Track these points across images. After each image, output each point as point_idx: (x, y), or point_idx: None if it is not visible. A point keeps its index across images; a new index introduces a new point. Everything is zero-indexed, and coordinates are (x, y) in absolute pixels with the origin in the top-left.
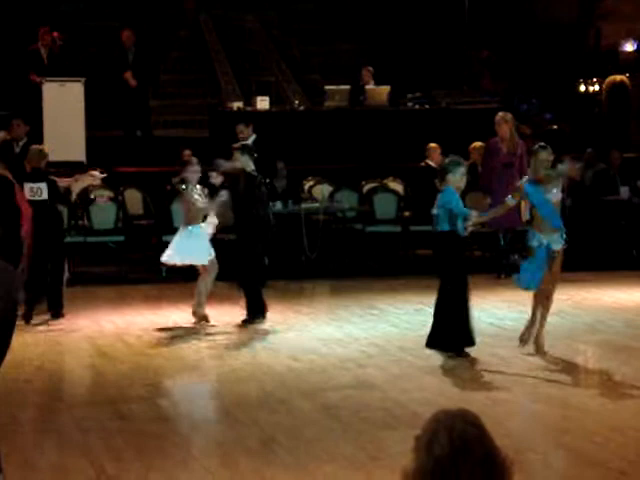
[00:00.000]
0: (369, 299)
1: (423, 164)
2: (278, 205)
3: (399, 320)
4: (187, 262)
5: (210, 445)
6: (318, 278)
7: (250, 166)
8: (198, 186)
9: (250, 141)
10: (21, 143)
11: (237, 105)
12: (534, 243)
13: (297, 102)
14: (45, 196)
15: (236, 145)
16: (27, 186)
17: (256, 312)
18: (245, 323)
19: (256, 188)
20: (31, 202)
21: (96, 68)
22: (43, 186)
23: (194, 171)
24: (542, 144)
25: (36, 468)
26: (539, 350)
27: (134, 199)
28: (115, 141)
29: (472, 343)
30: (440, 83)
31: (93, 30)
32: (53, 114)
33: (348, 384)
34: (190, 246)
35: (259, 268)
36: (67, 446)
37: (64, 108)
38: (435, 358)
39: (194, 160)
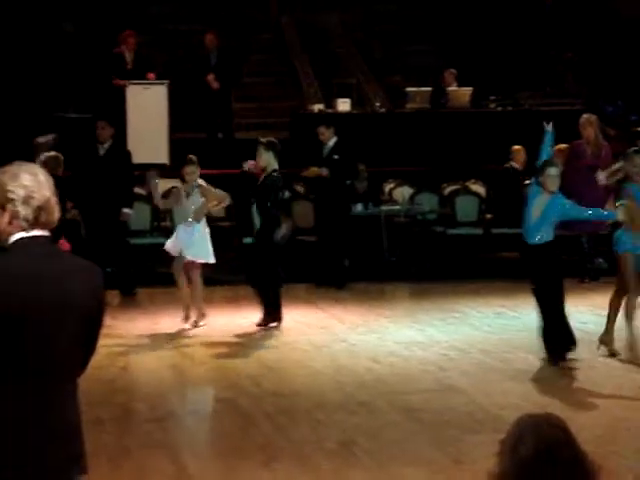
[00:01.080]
0: (450, 302)
1: (507, 166)
2: (359, 207)
3: (480, 323)
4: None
5: (290, 446)
6: (398, 281)
7: (273, 165)
8: (195, 184)
9: (331, 144)
10: (106, 145)
11: (318, 107)
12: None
13: (378, 104)
14: None
15: (262, 140)
16: None
17: (272, 317)
18: (260, 326)
19: (276, 189)
20: None
21: (180, 71)
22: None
23: (190, 172)
24: (636, 148)
25: (119, 467)
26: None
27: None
28: (197, 143)
29: (573, 342)
30: (523, 85)
31: (177, 33)
32: (137, 117)
33: (430, 387)
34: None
35: (278, 271)
36: (149, 445)
37: (148, 111)
38: (517, 362)
39: (193, 159)
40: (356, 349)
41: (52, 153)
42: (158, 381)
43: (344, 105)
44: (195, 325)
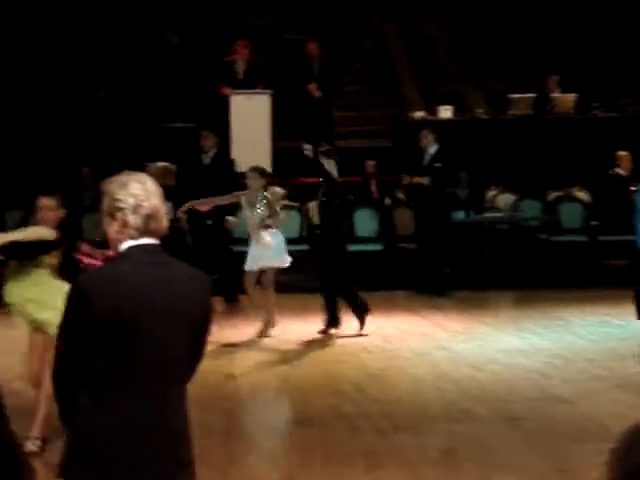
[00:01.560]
0: (554, 310)
1: (612, 172)
2: (460, 214)
3: (585, 331)
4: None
5: (394, 453)
6: (501, 288)
7: (334, 172)
8: (259, 193)
9: (432, 151)
10: (210, 154)
11: (420, 115)
12: None
13: (481, 111)
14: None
15: (323, 148)
16: None
17: (331, 322)
18: (321, 332)
19: (336, 196)
20: None
21: (282, 80)
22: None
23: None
24: None
25: (226, 475)
26: None
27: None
28: (299, 152)
29: None
30: (626, 91)
31: (279, 43)
32: (240, 126)
33: (533, 395)
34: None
35: (340, 278)
36: (254, 452)
37: (251, 120)
38: (622, 371)
39: (255, 168)
40: (458, 357)
41: (161, 163)
42: (262, 388)
43: (446, 112)
44: (262, 334)
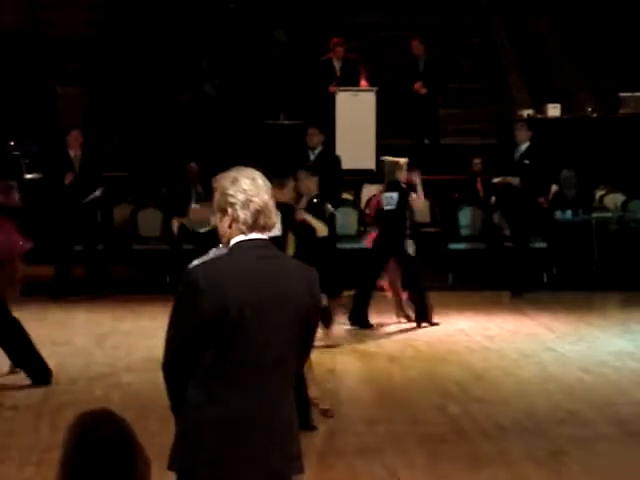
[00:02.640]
0: None
1: None
2: (568, 214)
3: None
4: None
5: (499, 454)
6: (609, 289)
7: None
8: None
9: (523, 147)
10: (316, 152)
11: (527, 113)
12: None
13: (590, 109)
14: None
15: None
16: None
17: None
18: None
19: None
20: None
21: (387, 77)
22: (395, 195)
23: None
24: None
25: (331, 469)
26: None
27: (421, 206)
28: (404, 149)
29: None
30: None
31: (384, 40)
32: (345, 123)
33: None
34: None
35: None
36: (360, 448)
37: (356, 117)
38: None
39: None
40: (565, 358)
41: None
42: (364, 384)
43: (554, 110)
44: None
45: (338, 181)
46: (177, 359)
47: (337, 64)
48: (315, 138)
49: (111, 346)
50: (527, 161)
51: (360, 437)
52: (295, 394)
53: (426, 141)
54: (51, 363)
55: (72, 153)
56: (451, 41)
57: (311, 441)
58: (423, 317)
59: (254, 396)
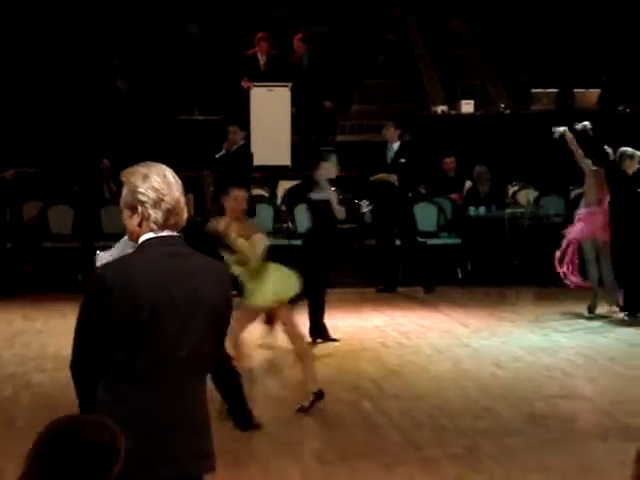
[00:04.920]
0: (576, 307)
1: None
2: (482, 209)
3: (607, 330)
4: None
5: (413, 450)
6: (522, 285)
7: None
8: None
9: (395, 147)
10: (235, 148)
11: (442, 109)
12: None
13: (503, 105)
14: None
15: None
16: None
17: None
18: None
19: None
20: None
21: (302, 73)
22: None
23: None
24: None
25: (246, 467)
26: None
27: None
28: (318, 146)
29: None
30: None
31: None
32: (261, 119)
33: (555, 393)
34: None
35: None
36: (274, 446)
37: (271, 113)
38: None
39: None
40: (479, 354)
41: None
42: (279, 379)
43: (468, 106)
44: None
45: (248, 176)
46: (85, 359)
47: (262, 59)
48: (236, 136)
49: (21, 345)
50: (403, 160)
51: (272, 435)
52: (231, 393)
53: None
54: None
55: None
56: (365, 37)
57: (224, 438)
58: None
59: (164, 394)
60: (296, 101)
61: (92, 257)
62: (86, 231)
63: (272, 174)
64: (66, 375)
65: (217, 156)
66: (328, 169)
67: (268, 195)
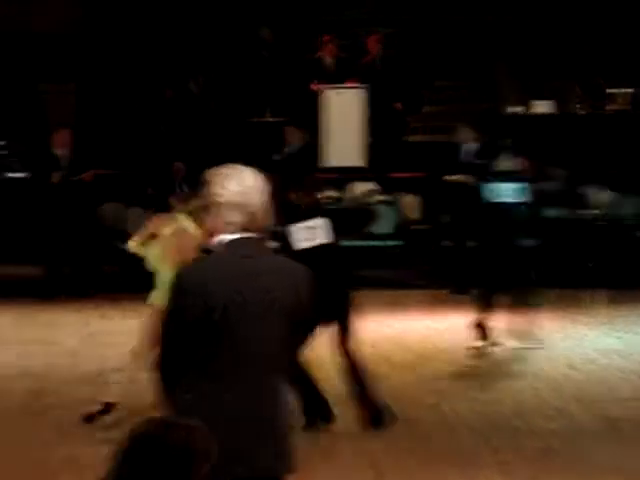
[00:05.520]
0: None
1: None
2: (556, 211)
3: None
4: None
5: (488, 452)
6: (596, 287)
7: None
8: None
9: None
10: (293, 149)
11: (515, 109)
12: None
13: (578, 106)
14: None
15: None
16: None
17: None
18: None
19: None
20: None
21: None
22: None
23: None
24: None
25: (320, 469)
26: None
27: (411, 204)
28: (391, 147)
29: None
30: None
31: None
32: (332, 121)
33: (629, 396)
34: None
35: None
36: (348, 446)
37: (343, 115)
38: None
39: None
40: (553, 355)
41: None
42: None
43: (542, 107)
44: None
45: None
46: (167, 358)
47: (328, 61)
48: (293, 137)
49: (99, 344)
50: (478, 161)
51: (351, 435)
52: (306, 392)
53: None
54: (40, 363)
55: (59, 151)
56: (436, 38)
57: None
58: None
59: (242, 394)
60: (371, 102)
61: None
62: None
63: (345, 175)
64: (144, 375)
65: (277, 157)
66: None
67: (341, 196)
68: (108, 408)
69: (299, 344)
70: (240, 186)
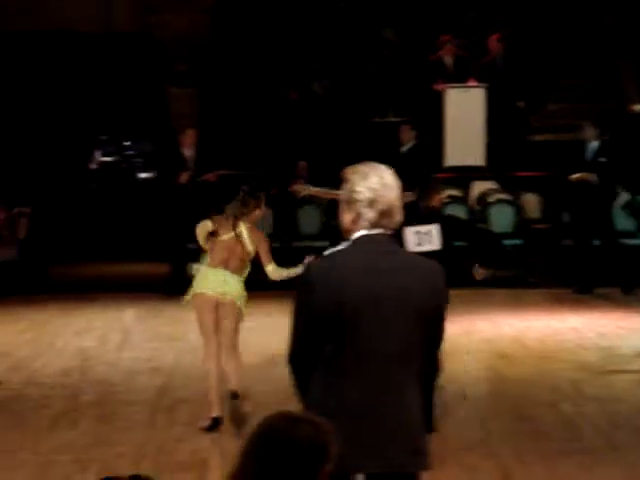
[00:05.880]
0: None
1: None
2: None
3: None
4: None
5: (611, 451)
6: None
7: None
8: None
9: (595, 145)
10: (407, 147)
11: None
12: None
13: None
14: None
15: None
16: None
17: None
18: None
19: None
20: None
21: (497, 73)
22: None
23: None
24: None
25: (443, 466)
26: None
27: (532, 203)
28: (513, 146)
29: None
30: None
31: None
32: (454, 120)
33: None
34: None
35: None
36: (472, 446)
37: (465, 114)
38: None
39: None
40: None
41: None
42: (476, 381)
43: None
44: None
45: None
46: (296, 352)
47: (448, 61)
48: (406, 135)
49: None
50: (603, 159)
51: (472, 434)
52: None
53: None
54: (167, 358)
55: (186, 152)
56: (558, 37)
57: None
58: None
59: (372, 389)
60: (490, 102)
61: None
62: (285, 231)
63: (466, 174)
64: (274, 371)
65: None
66: None
67: (462, 195)
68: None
69: (436, 343)
70: (377, 183)
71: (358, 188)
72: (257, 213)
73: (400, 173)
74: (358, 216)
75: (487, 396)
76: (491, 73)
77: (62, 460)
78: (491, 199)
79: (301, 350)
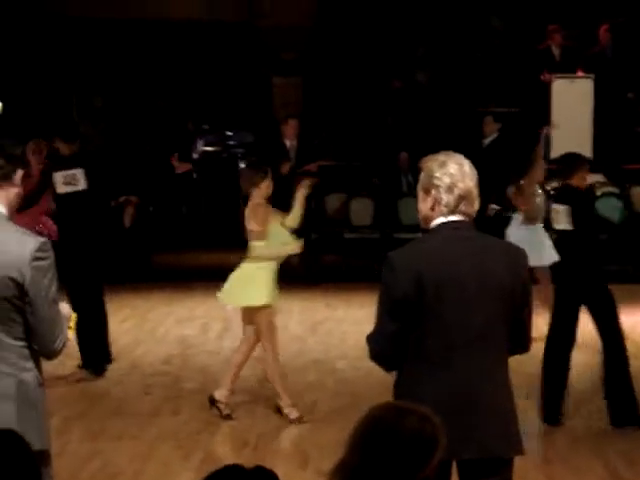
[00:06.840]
0: None
1: None
2: None
3: None
4: None
5: None
6: None
7: None
8: None
9: None
10: (490, 139)
11: None
12: None
13: None
14: None
15: None
16: None
17: None
18: None
19: None
20: None
21: (606, 64)
22: None
23: None
24: None
25: (550, 464)
26: None
27: None
28: (621, 138)
29: None
30: None
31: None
32: (561, 111)
33: None
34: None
35: None
36: (578, 446)
37: (573, 105)
38: None
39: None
40: None
41: None
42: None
43: None
44: None
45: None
46: (381, 338)
47: (556, 51)
48: (488, 127)
49: (324, 333)
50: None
51: (574, 432)
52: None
53: None
54: None
55: (288, 143)
56: None
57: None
58: None
59: (458, 375)
60: (598, 93)
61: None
62: (385, 222)
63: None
64: (367, 364)
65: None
66: None
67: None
68: None
69: (523, 324)
70: (456, 171)
71: (437, 174)
72: (265, 186)
73: (480, 166)
74: (436, 202)
75: (585, 397)
76: (600, 64)
77: (165, 447)
78: (598, 192)
79: (384, 336)
